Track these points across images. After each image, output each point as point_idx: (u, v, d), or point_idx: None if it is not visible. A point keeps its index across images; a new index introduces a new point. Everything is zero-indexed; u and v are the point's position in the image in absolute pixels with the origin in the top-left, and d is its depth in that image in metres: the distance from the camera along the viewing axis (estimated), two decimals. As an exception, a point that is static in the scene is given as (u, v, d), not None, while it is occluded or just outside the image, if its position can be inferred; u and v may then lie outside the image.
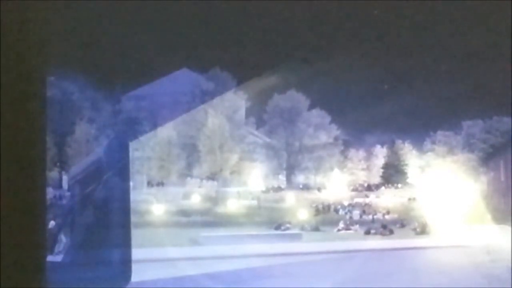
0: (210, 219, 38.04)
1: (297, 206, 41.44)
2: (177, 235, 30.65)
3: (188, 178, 46.90)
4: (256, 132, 50.47)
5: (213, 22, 42.32)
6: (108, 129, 43.02)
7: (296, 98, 47.93)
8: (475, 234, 29.99)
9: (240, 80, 46.28)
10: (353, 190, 48.12)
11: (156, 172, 45.80)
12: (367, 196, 46.33)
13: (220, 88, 46.31)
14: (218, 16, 40.82)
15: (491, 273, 20.45)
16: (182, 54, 46.01)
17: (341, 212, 42.42)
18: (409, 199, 44.68)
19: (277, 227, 36.16)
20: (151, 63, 45.04)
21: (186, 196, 43.89)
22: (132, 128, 44.88)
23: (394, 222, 39.38)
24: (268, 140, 49.76)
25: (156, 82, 48.53)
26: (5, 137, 2.19)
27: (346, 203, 44.00)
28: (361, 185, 49.49)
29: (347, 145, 50.41)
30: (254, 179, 47.36)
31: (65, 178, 40.77)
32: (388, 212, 41.96)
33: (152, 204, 38.37)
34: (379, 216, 41.25)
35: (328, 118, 48.69)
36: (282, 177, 50.25)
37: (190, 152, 46.57)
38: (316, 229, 36.50)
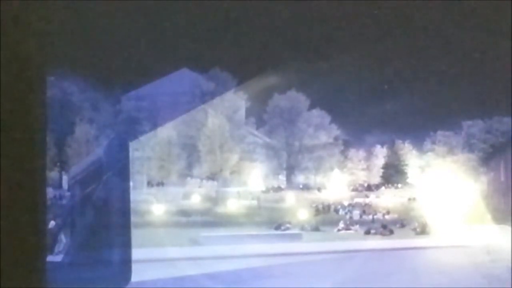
0: (210, 219, 38.04)
1: (297, 206, 41.44)
2: (177, 235, 30.67)
3: (188, 178, 46.90)
4: (256, 132, 50.47)
5: (213, 22, 42.30)
6: (108, 129, 43.01)
7: (296, 98, 47.92)
8: (475, 234, 30.01)
9: (240, 80, 46.30)
10: (353, 190, 48.13)
11: (156, 172, 45.80)
12: (367, 196, 46.33)
13: (220, 88, 46.31)
14: (218, 16, 40.81)
15: (491, 273, 20.47)
16: (182, 54, 46.00)
17: (341, 212, 42.42)
18: (409, 199, 44.68)
19: (277, 227, 36.17)
20: (151, 63, 45.04)
21: (186, 196, 43.90)
22: (132, 128, 44.87)
23: (394, 222, 39.39)
24: (268, 140, 49.76)
25: (156, 82, 48.50)
26: (5, 137, 2.19)
27: (346, 203, 44.01)
28: (361, 185, 49.49)
29: (347, 145, 50.41)
30: (254, 179, 47.36)
31: (65, 178, 40.78)
32: (388, 212, 41.97)
33: (152, 204, 38.37)
34: (379, 216, 41.25)
35: (328, 118, 48.69)
36: (282, 177, 50.25)
37: (190, 152, 46.57)
38: (316, 229, 36.51)
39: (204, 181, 47.02)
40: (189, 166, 46.85)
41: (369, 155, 50.77)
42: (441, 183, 40.08)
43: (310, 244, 30.87)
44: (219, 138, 45.99)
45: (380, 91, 43.91)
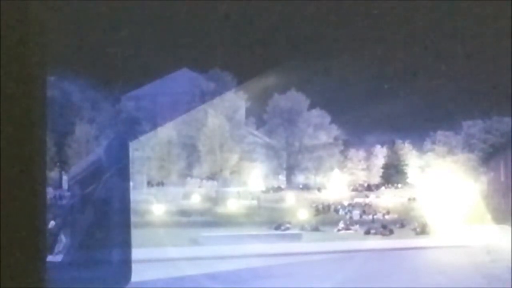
0: (210, 219, 38.05)
1: (297, 206, 41.45)
2: (177, 235, 30.68)
3: (188, 178, 46.89)
4: (256, 132, 50.47)
5: (213, 22, 42.30)
6: (108, 129, 43.00)
7: (296, 98, 47.92)
8: (475, 234, 30.01)
9: (240, 80, 46.30)
10: (353, 190, 48.12)
11: (156, 172, 45.80)
12: (367, 196, 46.33)
13: (220, 88, 46.31)
14: (218, 16, 40.80)
15: (491, 273, 20.48)
16: (182, 54, 46.00)
17: (341, 212, 42.42)
18: (409, 199, 44.67)
19: (277, 227, 36.18)
20: (151, 63, 45.05)
21: (186, 196, 43.90)
22: (132, 128, 44.86)
23: (394, 222, 39.40)
24: (268, 140, 49.75)
25: (156, 82, 48.52)
26: (5, 137, 2.19)
27: (346, 203, 44.01)
28: (361, 185, 49.49)
29: (347, 145, 50.42)
30: (254, 179, 47.36)
31: (65, 178, 40.78)
32: (388, 212, 41.97)
33: (152, 204, 38.37)
34: (379, 216, 41.26)
35: (328, 118, 48.69)
36: (282, 177, 50.24)
37: (190, 152, 46.56)
38: (316, 229, 36.52)
39: (204, 181, 47.01)
40: (189, 166, 46.85)
41: (369, 155, 50.78)
42: (441, 183, 40.08)
43: (310, 244, 30.88)
44: (219, 138, 45.98)
45: (380, 91, 43.92)
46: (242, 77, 45.64)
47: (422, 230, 35.83)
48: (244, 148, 48.05)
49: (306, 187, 48.40)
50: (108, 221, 10.03)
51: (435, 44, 42.33)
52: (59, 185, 41.67)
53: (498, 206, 38.27)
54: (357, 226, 37.80)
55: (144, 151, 44.26)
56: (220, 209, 41.20)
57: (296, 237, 33.13)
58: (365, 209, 42.93)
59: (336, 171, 48.87)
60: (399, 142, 50.02)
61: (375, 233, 35.72)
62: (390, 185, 49.32)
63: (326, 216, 40.73)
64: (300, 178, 50.24)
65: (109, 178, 9.92)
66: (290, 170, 49.80)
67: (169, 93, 47.75)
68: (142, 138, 44.63)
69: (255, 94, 46.31)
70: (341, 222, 38.39)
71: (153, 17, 42.06)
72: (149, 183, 45.49)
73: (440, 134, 47.62)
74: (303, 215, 39.31)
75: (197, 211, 40.16)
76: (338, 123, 48.63)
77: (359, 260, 23.68)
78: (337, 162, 49.46)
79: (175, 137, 46.10)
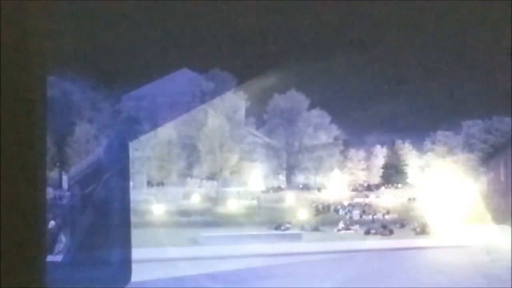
0: (210, 219, 38.04)
1: (297, 206, 41.44)
2: (177, 235, 30.68)
3: (188, 178, 46.89)
4: (256, 132, 50.46)
5: (213, 22, 42.30)
6: (108, 129, 42.99)
7: (296, 98, 47.91)
8: (475, 234, 30.00)
9: (240, 80, 46.28)
10: (353, 190, 48.11)
11: (156, 172, 45.79)
12: (367, 196, 46.32)
13: (220, 88, 46.30)
14: (218, 16, 40.80)
15: (491, 273, 20.48)
16: (182, 54, 45.98)
17: (341, 212, 42.41)
18: (409, 199, 44.66)
19: (277, 227, 36.17)
20: (151, 63, 45.03)
21: (186, 196, 43.89)
22: (132, 128, 44.86)
23: (394, 222, 39.40)
24: (268, 140, 49.74)
25: (156, 82, 48.50)
26: (5, 137, 2.19)
27: (346, 203, 44.00)
28: (361, 185, 49.47)
29: (347, 145, 50.40)
30: (254, 179, 47.35)
31: (65, 178, 40.76)
32: (388, 212, 41.97)
33: (152, 204, 38.37)
34: (379, 216, 41.25)
35: (328, 118, 48.68)
36: (282, 177, 50.23)
37: (190, 152, 46.56)
38: (316, 229, 36.51)
39: (204, 181, 47.01)
40: (189, 166, 46.85)
41: (369, 155, 50.77)
42: (441, 183, 40.06)
43: (310, 244, 30.87)
44: (219, 138, 45.98)
45: (380, 91, 43.92)
46: (242, 77, 45.65)
47: (422, 230, 35.82)
48: (244, 148, 48.04)
49: (306, 187, 48.39)
50: (108, 221, 10.03)
51: (434, 44, 42.33)
52: (59, 185, 41.65)
53: (498, 206, 38.27)
54: (357, 226, 37.79)
55: (144, 151, 44.25)
56: (220, 209, 41.19)
57: (296, 237, 33.12)
58: (365, 209, 42.92)
59: (336, 171, 48.87)
60: (399, 142, 50.01)
61: (375, 233, 35.71)
62: (390, 185, 49.32)
63: (326, 216, 40.72)
64: (300, 178, 50.24)
65: (109, 178, 9.93)
66: (290, 170, 49.80)
67: (169, 93, 47.73)
68: (142, 138, 44.62)
69: (255, 94, 46.31)
70: (341, 222, 38.38)
71: (153, 17, 42.06)
72: (149, 183, 45.48)
73: (440, 134, 47.60)
74: (303, 215, 39.30)
75: (197, 211, 40.15)
76: (338, 123, 48.66)
77: (359, 260, 23.67)
78: (337, 162, 49.45)
79: (175, 137, 46.09)
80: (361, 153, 50.71)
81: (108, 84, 44.83)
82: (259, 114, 49.46)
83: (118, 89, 46.48)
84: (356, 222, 39.12)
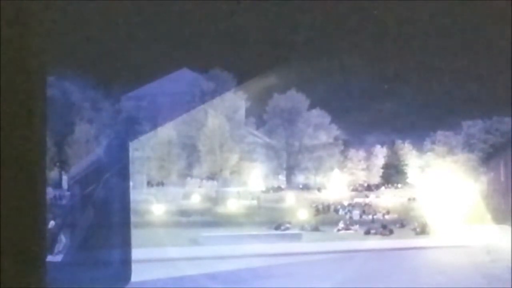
0: (210, 219, 38.02)
1: (297, 206, 41.42)
2: (177, 235, 30.66)
3: (188, 178, 46.89)
4: (256, 132, 50.46)
5: (213, 22, 42.31)
6: (108, 129, 43.00)
7: (296, 98, 47.91)
8: (475, 234, 29.99)
9: (240, 80, 46.29)
10: (353, 190, 48.10)
11: (156, 172, 45.79)
12: (367, 196, 46.30)
13: (220, 88, 46.31)
14: (218, 16, 40.81)
15: (491, 273, 20.47)
16: (182, 54, 46.00)
17: (341, 212, 42.40)
18: (409, 199, 44.65)
19: (277, 227, 36.14)
20: (151, 63, 45.04)
21: (186, 196, 43.88)
22: (132, 128, 44.85)
23: (394, 222, 39.37)
24: (268, 140, 49.74)
25: (156, 82, 48.51)
26: (5, 137, 2.19)
27: (346, 203, 43.98)
28: (361, 185, 49.46)
29: (347, 145, 50.39)
30: (254, 179, 47.35)
31: (65, 178, 40.78)
32: (388, 212, 41.95)
33: (152, 204, 38.37)
34: (379, 216, 41.23)
35: (328, 118, 48.67)
36: (282, 177, 50.22)
37: (190, 152, 46.56)
38: (316, 229, 36.48)
39: (204, 181, 47.00)
40: (189, 166, 46.84)
41: (369, 155, 50.76)
42: (441, 183, 40.04)
43: (310, 244, 30.84)
44: (219, 138, 45.97)
45: (380, 91, 43.93)
46: (242, 77, 45.68)
47: (422, 230, 35.80)
48: (244, 148, 48.03)
49: (306, 187, 48.38)
50: (108, 221, 10.03)
51: (435, 44, 42.34)
52: (59, 185, 41.65)
53: (498, 206, 38.26)
54: (357, 226, 37.76)
55: (144, 151, 44.25)
56: (220, 209, 41.18)
57: (296, 237, 33.09)
58: (365, 209, 42.90)
59: (336, 171, 48.85)
60: (399, 142, 50.01)
61: (375, 233, 35.67)
62: (390, 185, 49.32)
63: (326, 216, 40.71)
64: (300, 178, 50.23)
65: (109, 178, 9.93)
66: (290, 170, 49.80)
67: (169, 93, 47.74)
68: (142, 138, 44.62)
69: (255, 94, 46.31)
70: (341, 222, 38.35)
71: (153, 17, 42.06)
72: (149, 183, 45.48)
73: (440, 134, 47.60)
74: (303, 215, 39.28)
75: (197, 211, 40.14)
76: (338, 123, 48.63)
77: (359, 260, 23.66)
78: (337, 162, 49.44)
79: (175, 137, 46.09)
80: (361, 153, 50.70)
81: (108, 84, 44.86)
82: (259, 114, 49.48)
83: (118, 89, 46.51)
84: (356, 222, 39.09)
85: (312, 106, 48.34)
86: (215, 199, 43.41)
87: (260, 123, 50.35)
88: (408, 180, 48.53)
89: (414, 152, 49.05)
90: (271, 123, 49.16)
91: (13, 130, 2.27)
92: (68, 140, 43.40)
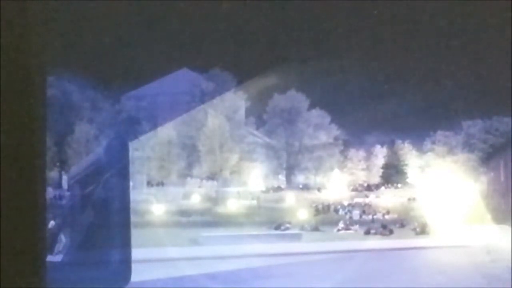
0: (210, 219, 38.04)
1: (297, 206, 41.44)
2: (177, 235, 30.68)
3: (188, 178, 46.89)
4: (256, 132, 50.46)
5: (213, 22, 42.30)
6: (108, 129, 43.00)
7: (296, 98, 47.92)
8: (475, 234, 29.99)
9: (240, 80, 46.29)
10: (353, 190, 48.11)
11: (156, 172, 45.79)
12: (367, 196, 46.32)
13: (220, 88, 46.31)
14: (218, 16, 40.80)
15: (491, 273, 20.47)
16: (182, 54, 46.01)
17: (341, 212, 42.42)
18: (409, 199, 44.67)
19: (277, 227, 36.17)
20: (151, 63, 45.06)
21: (186, 196, 43.89)
22: (132, 128, 44.86)
23: (394, 222, 39.40)
24: (268, 140, 49.75)
25: (156, 82, 48.52)
26: (5, 137, 2.19)
27: (346, 203, 44.00)
28: (361, 185, 49.47)
29: (347, 145, 50.40)
30: (254, 179, 47.35)
31: (65, 178, 40.77)
32: (388, 212, 41.97)
33: (152, 204, 38.37)
34: (379, 216, 41.26)
35: (328, 118, 48.69)
36: (282, 177, 50.23)
37: (190, 152, 46.56)
38: (316, 229, 36.50)
39: (204, 181, 47.00)
40: (189, 166, 46.85)
41: (369, 155, 50.76)
42: (441, 183, 40.06)
43: (310, 244, 30.86)
44: (219, 138, 45.97)
45: (380, 91, 43.91)
46: (242, 77, 45.69)
47: (422, 230, 35.82)
48: (244, 148, 48.04)
49: (306, 187, 48.39)
50: (108, 221, 10.03)
51: (435, 44, 42.34)
52: (59, 185, 41.65)
53: (498, 206, 38.27)
54: (357, 226, 37.79)
55: (144, 151, 44.25)
56: (220, 209, 41.19)
57: (296, 237, 33.11)
58: (365, 209, 42.92)
59: (336, 171, 48.86)
60: (399, 142, 50.02)
61: (375, 233, 35.70)
62: (390, 185, 49.33)
63: (326, 216, 40.73)
64: (300, 178, 50.23)
65: (109, 178, 9.92)
66: (290, 170, 49.80)
67: (169, 93, 47.75)
68: (142, 138, 44.62)
69: (255, 94, 46.32)
70: (341, 222, 38.38)
71: (153, 17, 42.06)
72: (149, 183, 45.48)
73: (440, 134, 47.61)
74: (303, 215, 39.30)
75: (197, 211, 40.15)
76: (338, 123, 48.68)
77: (359, 260, 23.67)
78: (337, 162, 49.45)
79: (175, 137, 46.09)
80: (361, 153, 50.70)
81: (108, 84, 44.87)
82: (259, 114, 49.49)
83: (118, 89, 46.51)
84: (356, 222, 39.12)
85: (312, 106, 48.37)
86: (215, 199, 43.42)
87: (260, 123, 50.37)
88: (408, 180, 48.54)
89: (414, 152, 49.05)
90: (271, 123, 49.16)
91: (13, 130, 2.26)
92: (68, 140, 43.40)
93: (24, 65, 2.31)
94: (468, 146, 46.81)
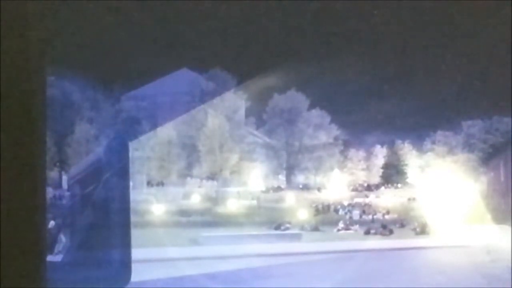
0: (210, 219, 38.05)
1: (297, 206, 41.45)
2: (177, 235, 30.70)
3: (188, 178, 46.89)
4: (256, 132, 50.46)
5: (213, 22, 42.31)
6: (108, 129, 42.99)
7: (296, 98, 47.92)
8: (475, 234, 30.01)
9: (240, 80, 46.30)
10: (353, 190, 48.11)
11: (156, 172, 45.79)
12: (367, 196, 46.33)
13: (220, 88, 46.31)
14: (218, 16, 40.81)
15: (491, 273, 20.49)
16: (182, 54, 46.00)
17: (341, 212, 42.42)
18: (409, 199, 44.67)
19: (277, 227, 36.18)
20: (151, 63, 45.04)
21: (186, 196, 43.89)
22: (132, 128, 44.87)
23: (394, 222, 39.41)
24: (268, 140, 49.74)
25: (156, 82, 48.52)
26: (5, 137, 2.19)
27: (346, 203, 44.01)
28: (361, 185, 49.47)
29: (347, 145, 50.39)
30: (254, 179, 47.35)
31: (65, 178, 40.76)
32: (388, 212, 41.97)
33: (152, 204, 38.37)
34: (379, 216, 41.27)
35: (328, 118, 48.69)
36: (282, 177, 50.23)
37: (190, 152, 46.56)
38: (316, 229, 36.52)
39: (204, 181, 47.01)
40: (189, 166, 46.85)
41: (369, 155, 50.76)
42: (441, 183, 40.06)
43: (310, 244, 30.88)
44: (219, 138, 45.98)
45: (380, 91, 43.91)
46: (242, 77, 45.68)
47: (422, 230, 35.83)
48: (244, 148, 48.04)
49: (306, 187, 48.39)
50: (108, 221, 10.03)
51: (434, 44, 42.33)
52: (59, 185, 41.65)
53: (498, 206, 38.27)
54: (357, 226, 37.80)
55: (144, 151, 44.25)
56: (220, 209, 41.19)
57: (296, 237, 33.13)
58: (365, 209, 42.93)
59: (336, 171, 48.86)
60: (399, 142, 50.00)
61: (375, 233, 35.72)
62: (390, 185, 49.33)
63: (326, 216, 40.73)
64: (300, 178, 50.23)
65: (109, 178, 9.93)
66: (290, 170, 49.80)
67: (169, 93, 47.75)
68: (142, 138, 44.62)
69: (255, 94, 46.33)
70: (341, 222, 38.39)
71: (153, 17, 42.08)
72: (149, 183, 45.47)
73: (440, 134, 47.61)
74: (303, 215, 39.31)
75: (197, 211, 40.16)
76: (338, 123, 48.66)
77: (359, 260, 23.68)
78: (337, 162, 49.44)
79: (175, 137, 46.09)
80: (361, 153, 50.69)
81: (108, 84, 44.88)
82: (259, 114, 49.48)
83: (118, 89, 46.52)
84: (356, 222, 39.13)
85: (312, 106, 48.37)
86: (215, 199, 43.41)
87: (260, 123, 50.38)
88: (408, 180, 48.54)
89: (414, 152, 49.04)
90: (271, 123, 49.16)
91: (13, 130, 2.26)
92: (68, 140, 43.41)
93: (24, 65, 2.31)
94: (468, 146, 46.81)
